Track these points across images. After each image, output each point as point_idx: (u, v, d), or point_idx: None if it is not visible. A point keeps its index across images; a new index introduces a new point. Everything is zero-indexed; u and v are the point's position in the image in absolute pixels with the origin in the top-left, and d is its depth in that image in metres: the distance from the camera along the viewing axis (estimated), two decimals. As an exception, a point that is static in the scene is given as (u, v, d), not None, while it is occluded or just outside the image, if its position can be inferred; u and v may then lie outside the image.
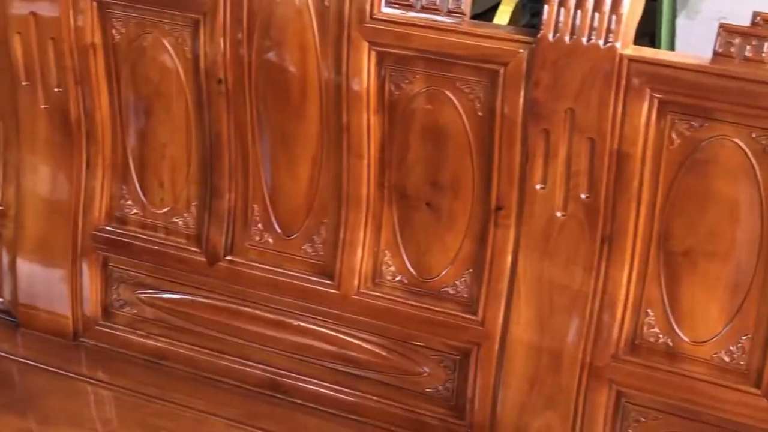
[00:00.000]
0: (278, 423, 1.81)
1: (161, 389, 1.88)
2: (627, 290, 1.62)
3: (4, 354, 1.97)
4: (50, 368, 1.93)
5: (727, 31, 1.46)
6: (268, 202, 1.83)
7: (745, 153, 1.49)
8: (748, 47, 1.45)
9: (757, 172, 1.49)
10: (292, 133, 1.77)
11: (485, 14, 2.58)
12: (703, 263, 1.56)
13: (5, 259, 2.04)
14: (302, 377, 1.86)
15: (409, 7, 1.64)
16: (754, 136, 1.47)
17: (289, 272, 1.83)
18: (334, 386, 1.84)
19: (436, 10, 1.62)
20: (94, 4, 1.84)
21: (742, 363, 1.56)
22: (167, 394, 1.86)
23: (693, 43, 1.99)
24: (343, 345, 1.82)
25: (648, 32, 1.83)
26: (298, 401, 1.85)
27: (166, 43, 1.82)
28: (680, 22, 2.00)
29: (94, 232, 1.96)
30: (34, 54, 1.91)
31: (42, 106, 1.94)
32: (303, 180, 1.79)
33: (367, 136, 1.71)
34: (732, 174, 1.50)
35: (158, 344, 1.95)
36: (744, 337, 1.55)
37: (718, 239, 1.54)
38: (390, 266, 1.77)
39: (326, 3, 1.68)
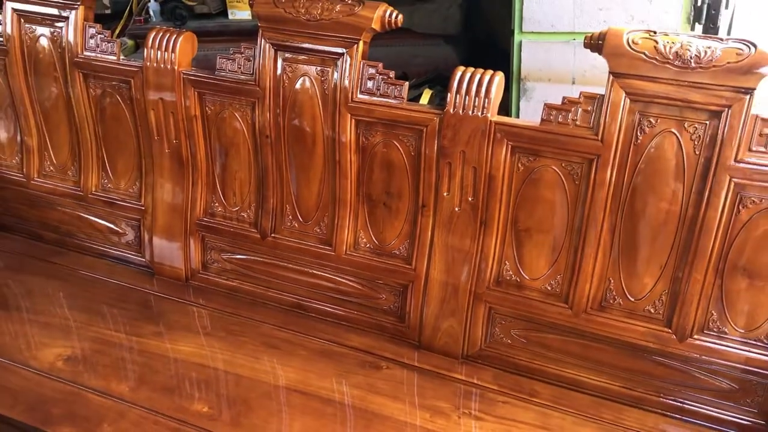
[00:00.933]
0: (301, 327, 1.77)
1: (235, 309, 1.84)
2: (494, 251, 1.58)
3: (146, 290, 1.92)
4: (172, 298, 1.89)
5: (548, 107, 1.44)
6: (294, 204, 1.77)
7: (559, 174, 1.47)
8: (560, 116, 1.43)
9: (565, 185, 1.47)
10: (307, 166, 1.72)
11: (414, 99, 2.56)
12: (536, 236, 1.54)
13: (146, 237, 1.97)
14: (315, 301, 1.81)
15: (372, 95, 1.60)
16: (563, 164, 1.46)
17: (306, 243, 1.78)
18: (333, 306, 1.79)
19: (387, 95, 1.59)
20: (196, 92, 1.78)
21: (558, 289, 1.54)
22: (238, 312, 1.82)
23: (529, 114, 1.97)
24: (338, 283, 1.77)
25: (504, 107, 1.81)
26: (313, 315, 1.81)
27: (237, 115, 1.76)
28: (522, 103, 1.99)
29: (197, 221, 1.90)
30: (161, 121, 1.84)
31: (166, 150, 1.87)
32: (314, 191, 1.74)
33: (349, 166, 1.67)
34: (551, 186, 1.49)
35: (233, 284, 1.90)
36: (558, 276, 1.54)
37: (544, 222, 1.52)
38: (363, 239, 1.72)
39: (327, 92, 1.64)
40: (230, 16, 3.98)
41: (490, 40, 2.86)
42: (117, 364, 1.63)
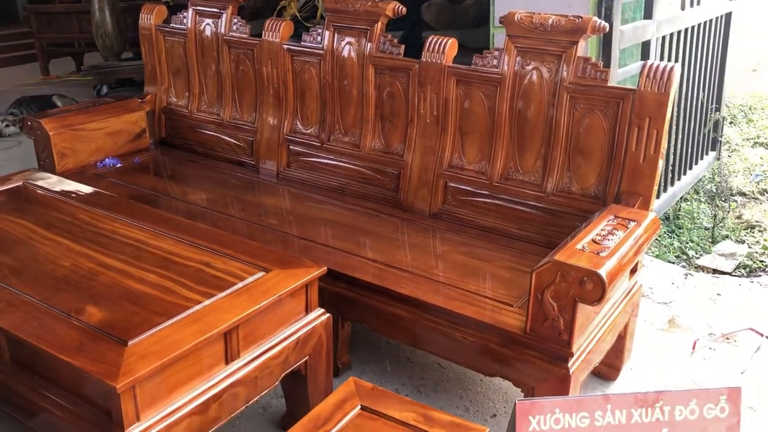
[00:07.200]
0: (338, 199, 2.72)
1: (302, 190, 2.82)
2: (449, 147, 2.47)
3: (253, 178, 2.95)
4: (267, 182, 2.91)
5: (476, 56, 2.40)
6: (341, 123, 2.74)
7: (481, 96, 2.40)
8: (481, 61, 2.41)
9: (485, 103, 2.42)
10: (348, 100, 2.71)
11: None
12: (471, 136, 2.45)
13: (256, 148, 3.04)
14: (350, 184, 2.75)
15: (384, 53, 2.64)
16: (483, 89, 2.38)
17: (346, 147, 2.75)
18: (358, 185, 2.72)
19: (392, 53, 2.61)
20: (290, 56, 2.83)
21: (483, 169, 2.45)
22: (304, 192, 2.82)
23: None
24: (363, 173, 2.70)
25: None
26: (347, 192, 2.75)
27: (312, 70, 2.78)
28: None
29: (285, 137, 2.89)
30: (270, 74, 2.89)
31: (271, 92, 2.91)
32: (352, 115, 2.72)
33: (371, 98, 2.70)
34: (478, 104, 2.41)
35: (304, 176, 2.85)
36: (483, 161, 2.48)
37: (475, 128, 2.44)
38: (377, 143, 2.68)
39: (359, 53, 2.68)
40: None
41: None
42: (227, 204, 2.73)
